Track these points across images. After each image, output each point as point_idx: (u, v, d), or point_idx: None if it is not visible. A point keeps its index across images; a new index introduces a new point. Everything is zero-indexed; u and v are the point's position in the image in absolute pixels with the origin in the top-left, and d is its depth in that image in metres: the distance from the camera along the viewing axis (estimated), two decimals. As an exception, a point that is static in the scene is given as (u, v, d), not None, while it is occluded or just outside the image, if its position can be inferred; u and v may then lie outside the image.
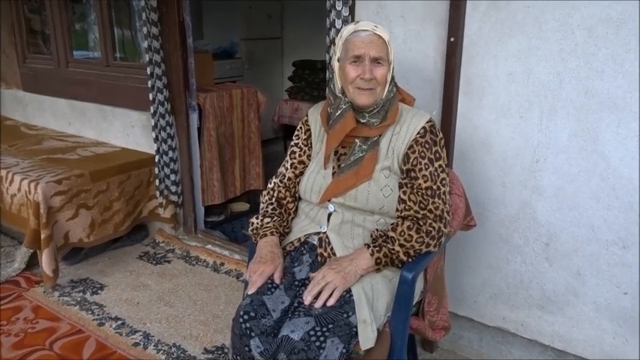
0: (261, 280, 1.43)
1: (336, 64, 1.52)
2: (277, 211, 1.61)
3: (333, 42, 1.98)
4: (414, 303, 1.51)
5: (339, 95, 1.50)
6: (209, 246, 2.98)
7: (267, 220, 1.58)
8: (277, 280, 1.44)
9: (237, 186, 3.42)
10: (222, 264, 2.81)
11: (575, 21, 1.59)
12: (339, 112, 1.49)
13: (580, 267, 1.75)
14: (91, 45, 3.60)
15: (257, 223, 1.59)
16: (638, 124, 1.55)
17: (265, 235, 1.55)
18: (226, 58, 4.75)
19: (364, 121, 1.50)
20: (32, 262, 2.77)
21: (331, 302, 1.35)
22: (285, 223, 1.61)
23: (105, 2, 3.15)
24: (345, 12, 1.93)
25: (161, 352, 2.09)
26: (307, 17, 4.96)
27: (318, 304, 1.35)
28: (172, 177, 2.92)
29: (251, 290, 1.42)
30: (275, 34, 5.38)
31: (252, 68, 5.11)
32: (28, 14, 3.87)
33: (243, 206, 3.58)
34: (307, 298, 1.36)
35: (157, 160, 2.87)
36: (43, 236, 2.49)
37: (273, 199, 1.64)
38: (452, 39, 1.79)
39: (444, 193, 1.47)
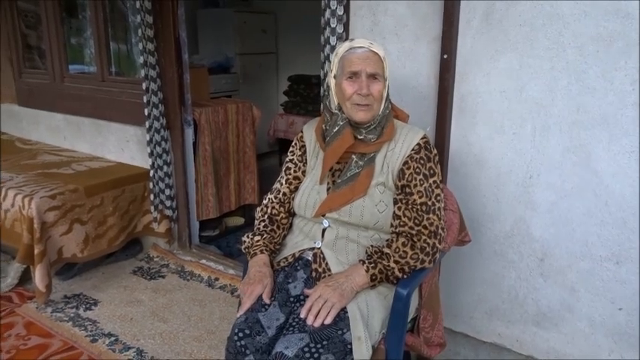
0: (250, 302, 1.42)
1: (332, 81, 1.52)
2: (269, 228, 1.61)
3: (327, 58, 1.99)
4: (409, 319, 1.51)
5: (336, 112, 1.51)
6: (203, 261, 2.97)
7: (257, 238, 1.59)
8: (266, 299, 1.43)
9: (232, 200, 3.43)
10: (216, 279, 2.80)
11: (566, 39, 1.61)
12: (337, 128, 1.49)
13: (574, 283, 1.76)
14: (86, 60, 3.61)
15: (248, 242, 1.59)
16: (629, 141, 1.57)
17: (255, 253, 1.55)
18: (222, 73, 4.78)
19: (361, 137, 1.50)
20: (25, 277, 2.75)
21: (328, 320, 1.34)
22: (276, 240, 1.61)
23: (101, 17, 3.17)
24: (340, 29, 1.95)
25: (154, 369, 2.08)
26: (302, 32, 5.00)
27: (317, 322, 1.33)
28: (167, 192, 2.92)
29: (240, 312, 1.41)
30: (270, 49, 5.43)
31: (248, 83, 5.14)
32: (25, 30, 3.89)
33: (238, 221, 3.57)
34: (310, 319, 1.34)
35: (151, 174, 2.87)
36: (36, 251, 2.47)
37: (266, 216, 1.64)
38: (445, 56, 1.81)
39: (439, 209, 1.48)
